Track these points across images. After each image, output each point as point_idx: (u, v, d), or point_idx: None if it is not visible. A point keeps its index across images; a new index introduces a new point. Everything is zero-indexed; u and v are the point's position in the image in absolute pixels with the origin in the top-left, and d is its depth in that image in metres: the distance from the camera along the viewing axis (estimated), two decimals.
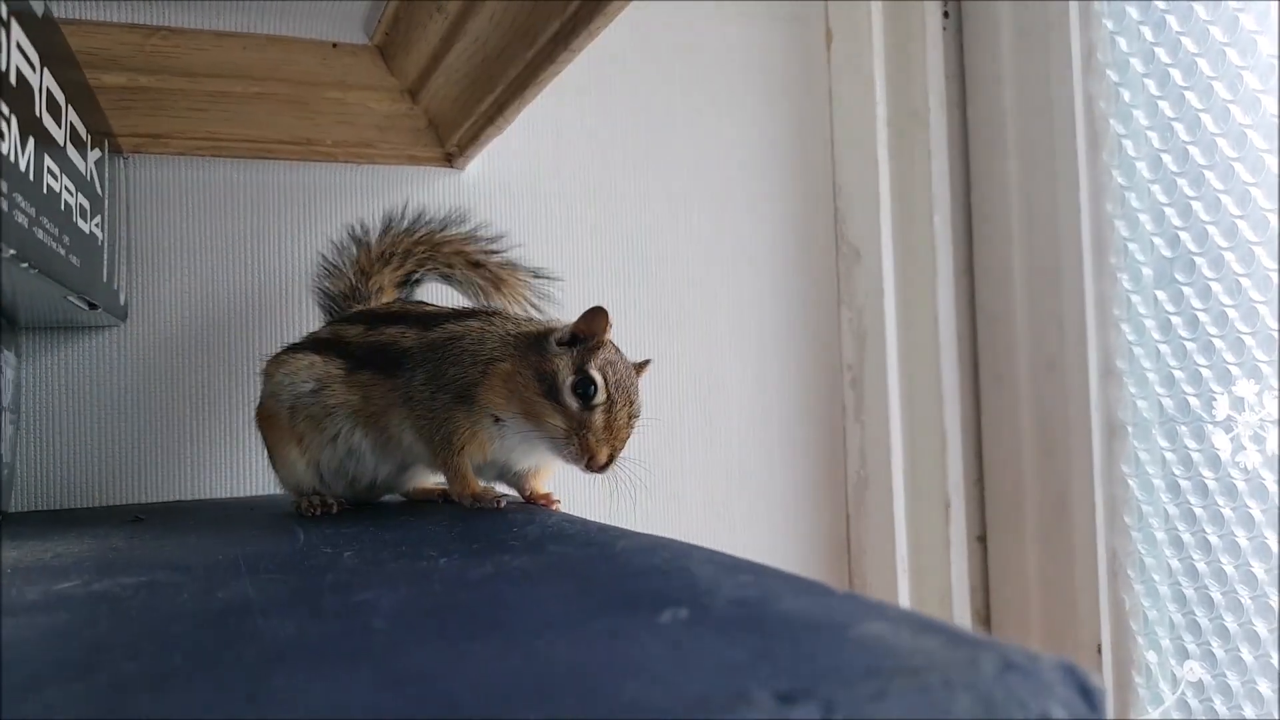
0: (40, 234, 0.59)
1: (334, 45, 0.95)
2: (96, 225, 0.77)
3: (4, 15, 0.51)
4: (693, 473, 1.14)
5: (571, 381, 0.70)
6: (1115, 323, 1.05)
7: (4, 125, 0.51)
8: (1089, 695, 0.28)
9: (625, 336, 1.11)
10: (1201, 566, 0.98)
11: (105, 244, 0.80)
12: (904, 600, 1.15)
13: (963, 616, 1.16)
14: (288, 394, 0.76)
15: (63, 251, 0.64)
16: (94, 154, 0.75)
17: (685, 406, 1.14)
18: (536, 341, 0.74)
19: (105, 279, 0.80)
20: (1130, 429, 1.04)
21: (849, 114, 1.20)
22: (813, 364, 1.20)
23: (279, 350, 0.81)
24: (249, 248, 0.98)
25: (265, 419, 0.79)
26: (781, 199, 1.19)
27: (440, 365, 0.75)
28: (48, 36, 0.60)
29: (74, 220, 0.68)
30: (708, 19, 1.17)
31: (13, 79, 0.52)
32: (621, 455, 0.72)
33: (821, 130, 1.22)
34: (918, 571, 1.16)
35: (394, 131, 1.01)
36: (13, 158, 0.52)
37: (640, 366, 0.78)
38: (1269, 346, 0.91)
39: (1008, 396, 1.16)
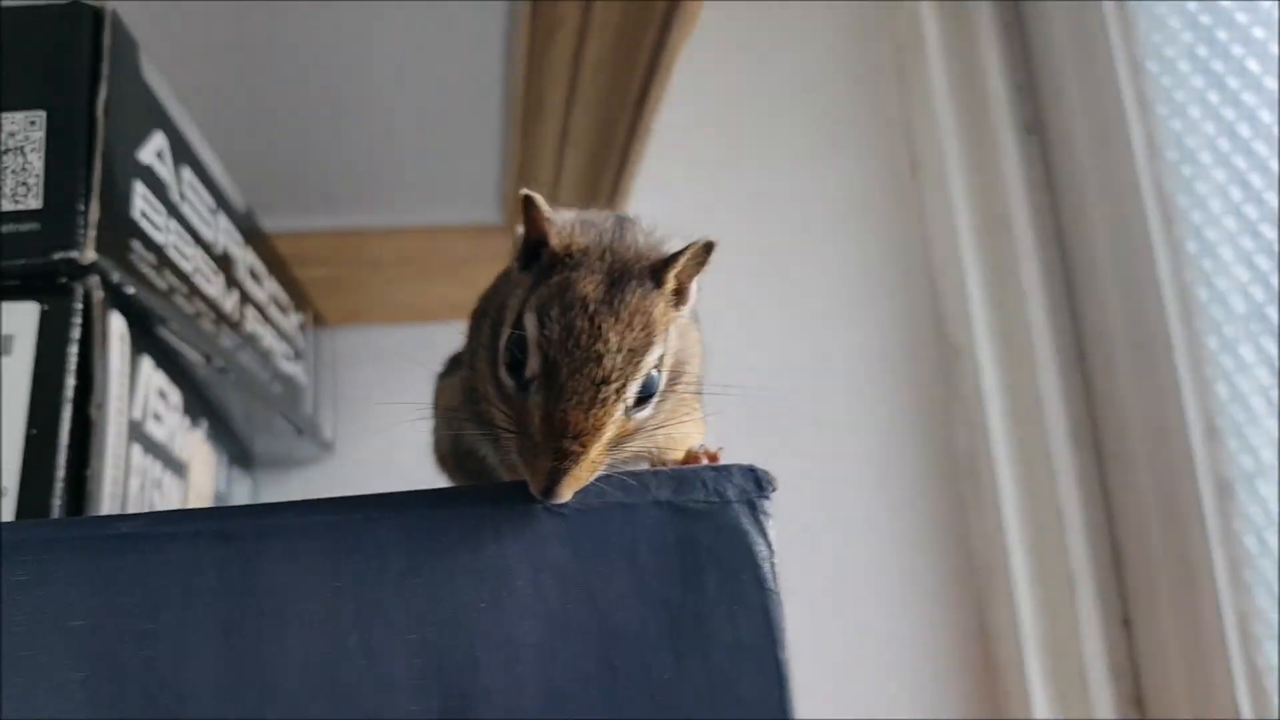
0: (244, 358, 0.84)
1: (478, 229, 1.22)
2: (300, 370, 1.03)
3: (214, 206, 0.78)
4: (815, 573, 1.24)
5: (505, 344, 0.45)
6: (1209, 383, 1.09)
7: (215, 279, 0.77)
8: (759, 480, 0.40)
9: (745, 454, 1.25)
10: None
11: (309, 387, 1.07)
12: (1038, 685, 1.16)
13: (1104, 700, 1.15)
14: None
15: (265, 378, 0.90)
16: (297, 317, 1.03)
17: (805, 506, 1.26)
18: (506, 278, 0.55)
19: (310, 412, 1.07)
20: (1237, 485, 1.05)
21: (938, 227, 1.33)
22: (930, 457, 1.28)
23: None
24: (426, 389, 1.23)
25: None
26: (884, 310, 1.33)
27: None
28: (249, 225, 0.87)
29: (275, 360, 0.94)
30: (800, 164, 1.37)
31: (219, 250, 0.79)
32: (604, 461, 0.43)
33: (915, 244, 1.35)
34: (1055, 656, 1.18)
35: None
36: (219, 300, 0.78)
37: (670, 264, 0.47)
38: None
39: (1128, 474, 1.19)
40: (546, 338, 0.42)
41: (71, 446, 0.54)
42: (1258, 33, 0.99)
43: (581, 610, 0.39)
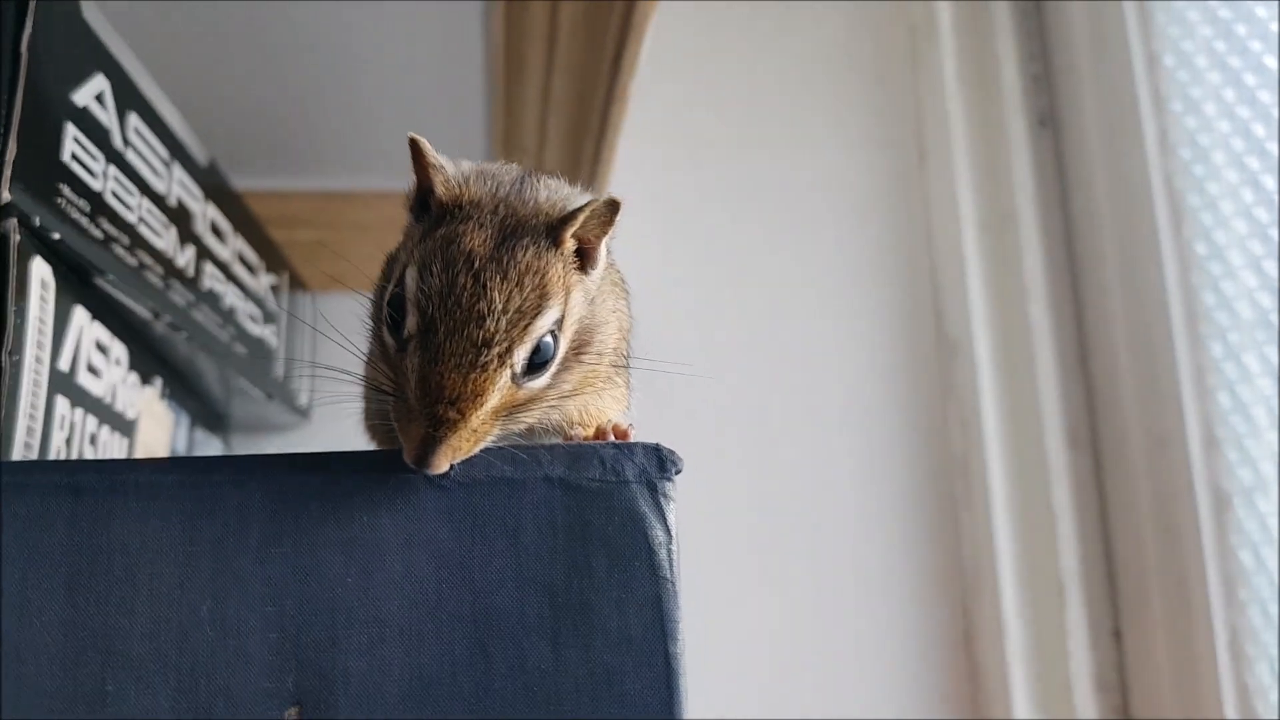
0: (199, 316, 0.82)
1: None
2: (270, 333, 1.01)
3: (168, 157, 0.75)
4: (802, 566, 1.20)
5: (386, 301, 0.43)
6: (1210, 391, 1.04)
7: (166, 232, 0.75)
8: (663, 460, 0.37)
9: (736, 444, 1.22)
10: None
11: (280, 349, 1.04)
12: (1020, 691, 1.12)
13: (1088, 712, 1.11)
14: None
15: (225, 339, 0.88)
16: (268, 278, 1.01)
17: (794, 499, 1.22)
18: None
19: (280, 378, 1.04)
20: (1235, 499, 1.01)
21: (943, 221, 1.29)
22: (922, 454, 1.25)
23: None
24: None
25: None
26: (883, 303, 1.29)
27: None
28: (211, 180, 0.84)
29: (238, 320, 0.92)
30: (805, 151, 1.33)
31: (172, 202, 0.76)
32: (490, 430, 0.39)
33: (919, 236, 1.31)
34: (1041, 661, 1.14)
35: None
36: (170, 254, 0.76)
37: (568, 222, 0.42)
38: None
39: (1125, 481, 1.14)
40: (425, 294, 0.39)
41: None
42: (1276, 28, 0.94)
43: (456, 591, 0.36)
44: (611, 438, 0.43)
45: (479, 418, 0.37)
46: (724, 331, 1.26)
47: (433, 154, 0.43)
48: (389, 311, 0.42)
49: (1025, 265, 1.20)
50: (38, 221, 0.57)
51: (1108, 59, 1.14)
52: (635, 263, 1.25)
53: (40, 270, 0.58)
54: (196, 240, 0.82)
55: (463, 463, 0.38)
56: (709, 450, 1.23)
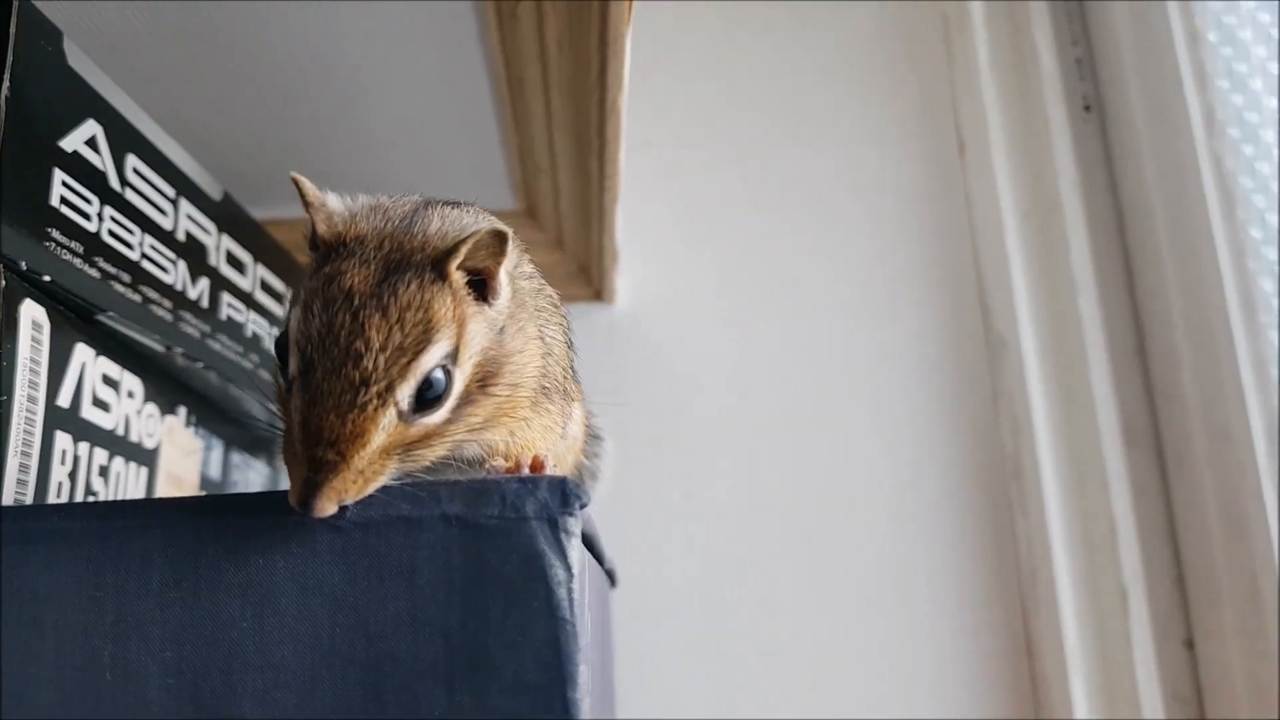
0: (217, 346, 0.84)
1: (494, 214, 1.20)
2: None
3: (173, 194, 0.77)
4: (846, 577, 1.17)
5: (274, 341, 0.44)
6: (1272, 382, 0.98)
7: (174, 266, 0.77)
8: (566, 495, 0.36)
9: (777, 450, 1.20)
10: None
11: None
12: (1081, 699, 1.07)
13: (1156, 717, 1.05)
14: None
15: (249, 366, 0.90)
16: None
17: (838, 507, 1.19)
18: None
19: None
20: None
21: (985, 212, 1.24)
22: (973, 458, 1.20)
23: None
24: None
25: None
26: (926, 300, 1.25)
27: None
28: (226, 212, 0.87)
29: (266, 347, 0.94)
30: (840, 147, 1.29)
31: (180, 236, 0.78)
32: (382, 470, 0.39)
33: (961, 230, 1.26)
34: (1105, 672, 1.08)
35: (551, 278, 1.22)
36: (179, 287, 0.78)
37: (450, 255, 0.42)
38: None
39: (1189, 479, 1.08)
40: (305, 335, 0.39)
41: None
42: None
43: (350, 635, 0.35)
44: (526, 470, 0.42)
45: (362, 458, 0.37)
46: (762, 335, 1.24)
47: (312, 192, 0.43)
48: (276, 351, 0.41)
49: (1073, 256, 1.14)
50: (24, 265, 0.59)
51: (1149, 38, 1.08)
52: (673, 267, 1.25)
53: (31, 311, 0.60)
54: (211, 272, 0.84)
55: (361, 502, 0.37)
56: (748, 456, 1.21)
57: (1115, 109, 1.17)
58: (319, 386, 0.38)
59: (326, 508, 0.36)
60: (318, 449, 0.37)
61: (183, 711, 0.35)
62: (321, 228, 0.43)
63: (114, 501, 0.39)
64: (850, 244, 1.26)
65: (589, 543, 0.57)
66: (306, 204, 0.44)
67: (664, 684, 1.15)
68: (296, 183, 0.43)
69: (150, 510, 0.38)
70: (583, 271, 1.20)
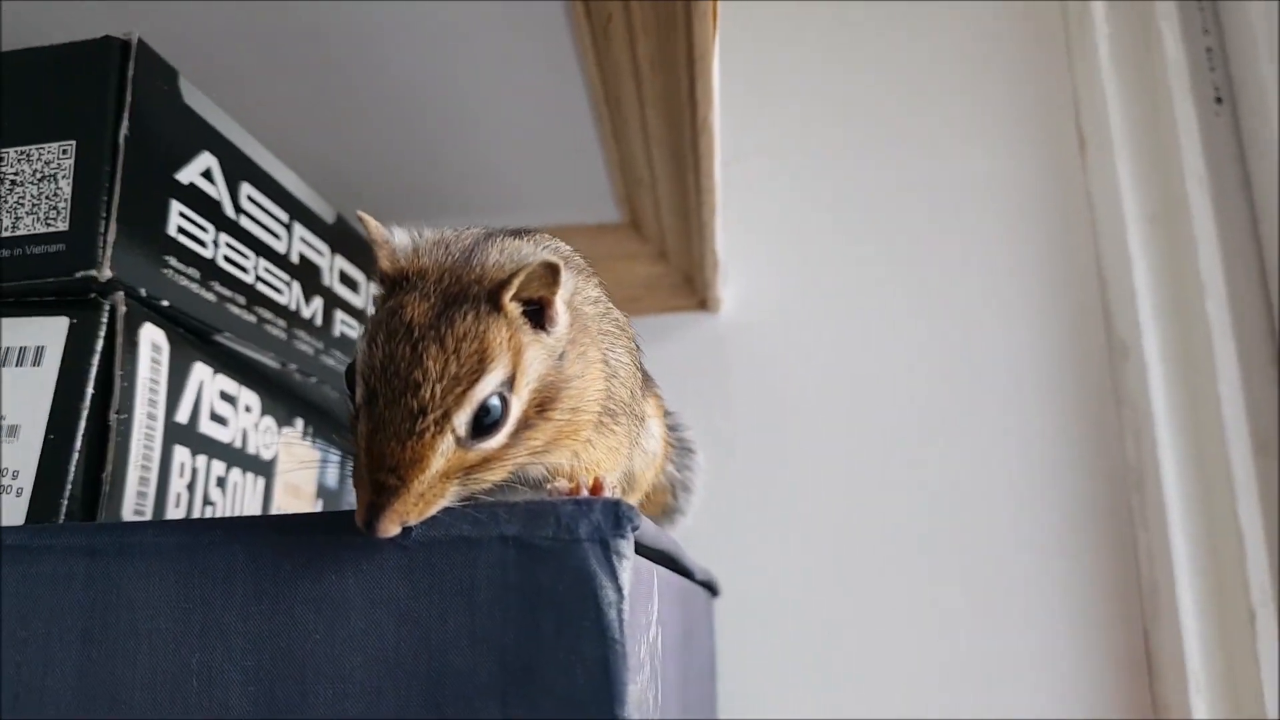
0: (331, 362, 0.88)
1: (599, 227, 1.22)
2: None
3: (287, 219, 0.82)
4: (962, 588, 1.14)
5: (345, 372, 0.45)
6: None
7: (287, 288, 0.81)
8: (619, 517, 0.37)
9: (894, 460, 1.18)
10: None
11: None
12: None
13: None
14: None
15: None
16: None
17: (957, 517, 1.16)
18: None
19: None
20: None
21: (1107, 214, 1.19)
22: (1094, 468, 1.15)
23: None
24: None
25: None
26: (1046, 305, 1.20)
27: None
28: (338, 234, 0.91)
29: None
30: (956, 149, 1.26)
31: (294, 259, 0.83)
32: (444, 492, 0.40)
33: (1081, 232, 1.21)
34: (1228, 694, 1.02)
35: (655, 289, 1.23)
36: (293, 307, 0.82)
37: (504, 287, 0.43)
38: None
39: None
40: (369, 365, 0.41)
41: (87, 451, 0.59)
42: None
43: (414, 649, 0.37)
44: (585, 492, 0.43)
45: (422, 483, 0.39)
46: (879, 343, 1.22)
47: (376, 229, 0.45)
48: (346, 381, 0.44)
49: (1201, 258, 1.08)
50: (144, 292, 0.64)
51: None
52: (779, 276, 1.24)
53: (151, 334, 0.65)
54: (325, 291, 0.88)
55: (425, 522, 0.39)
56: (857, 464, 1.19)
57: (1249, 101, 1.11)
58: (381, 415, 0.40)
59: (389, 529, 0.38)
60: (380, 474, 0.39)
61: (259, 714, 0.37)
62: (385, 264, 0.46)
63: (203, 519, 0.42)
64: (966, 248, 1.23)
65: (669, 559, 0.57)
66: (371, 241, 0.45)
67: (771, 694, 1.15)
68: (362, 220, 0.45)
69: (234, 527, 0.40)
70: (687, 282, 1.21)
